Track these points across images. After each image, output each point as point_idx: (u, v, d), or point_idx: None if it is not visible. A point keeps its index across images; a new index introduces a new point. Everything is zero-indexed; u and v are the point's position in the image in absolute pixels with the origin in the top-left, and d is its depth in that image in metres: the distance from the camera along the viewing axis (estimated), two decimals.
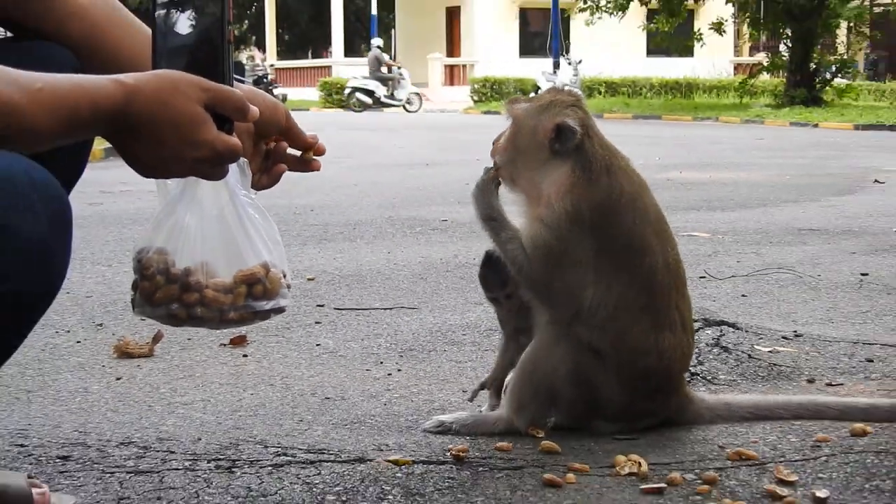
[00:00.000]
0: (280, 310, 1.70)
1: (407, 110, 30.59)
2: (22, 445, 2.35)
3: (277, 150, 1.77)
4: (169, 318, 1.67)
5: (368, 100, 30.71)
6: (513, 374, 2.46)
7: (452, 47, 40.70)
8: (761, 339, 3.33)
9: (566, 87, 2.80)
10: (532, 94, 2.56)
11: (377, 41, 33.09)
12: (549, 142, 2.36)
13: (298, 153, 1.78)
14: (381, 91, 30.96)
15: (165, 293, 1.65)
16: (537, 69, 31.20)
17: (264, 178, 1.77)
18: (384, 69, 31.67)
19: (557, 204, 2.33)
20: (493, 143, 2.46)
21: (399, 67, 32.11)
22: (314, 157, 1.79)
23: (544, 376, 2.40)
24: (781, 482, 2.10)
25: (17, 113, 1.42)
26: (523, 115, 2.42)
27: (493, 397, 2.56)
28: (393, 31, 44.17)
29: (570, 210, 2.33)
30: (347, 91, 31.31)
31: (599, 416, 2.44)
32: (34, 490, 1.86)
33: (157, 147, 1.52)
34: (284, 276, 1.70)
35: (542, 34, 37.33)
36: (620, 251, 2.38)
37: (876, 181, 9.67)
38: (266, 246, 1.69)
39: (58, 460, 2.25)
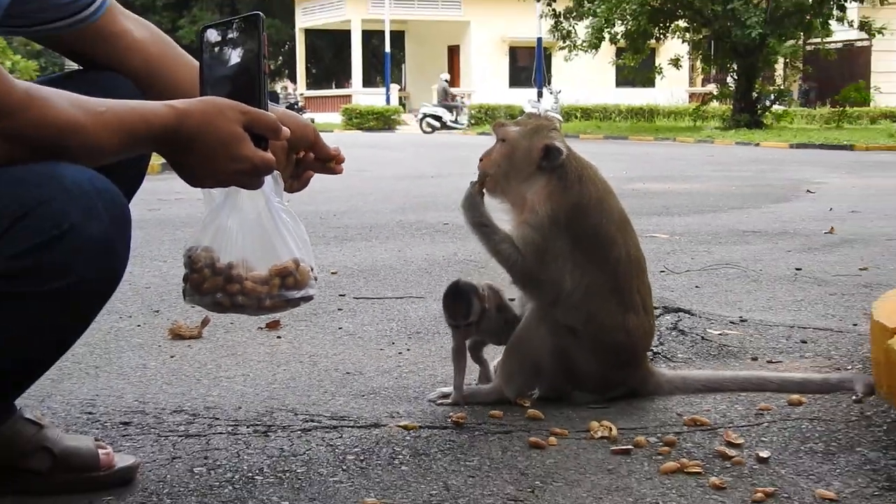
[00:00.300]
0: (308, 298, 1.69)
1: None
2: (90, 413, 2.34)
3: (306, 159, 1.77)
4: (214, 305, 1.66)
5: (437, 124, 30.06)
6: (503, 352, 2.45)
7: (453, 78, 40.59)
8: (712, 323, 3.32)
9: (547, 112, 2.78)
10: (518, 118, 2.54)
11: (445, 75, 32.28)
12: (539, 160, 2.36)
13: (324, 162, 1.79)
14: (447, 117, 30.30)
15: (212, 284, 1.64)
16: (524, 97, 31.11)
17: (295, 183, 1.78)
18: (450, 99, 31.21)
19: (540, 209, 2.33)
20: (481, 159, 2.45)
21: (462, 97, 31.51)
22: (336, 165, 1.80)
23: (529, 353, 2.39)
24: (730, 444, 2.09)
25: (83, 132, 1.41)
26: (516, 138, 2.41)
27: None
28: (403, 65, 44.09)
29: (550, 213, 2.33)
30: (420, 116, 30.62)
31: (577, 388, 2.43)
32: (100, 451, 1.85)
33: (204, 161, 1.51)
34: (312, 270, 1.69)
35: (528, 68, 37.33)
36: (591, 245, 2.37)
37: (808, 191, 9.65)
38: (296, 244, 1.68)
39: (120, 426, 2.24)
